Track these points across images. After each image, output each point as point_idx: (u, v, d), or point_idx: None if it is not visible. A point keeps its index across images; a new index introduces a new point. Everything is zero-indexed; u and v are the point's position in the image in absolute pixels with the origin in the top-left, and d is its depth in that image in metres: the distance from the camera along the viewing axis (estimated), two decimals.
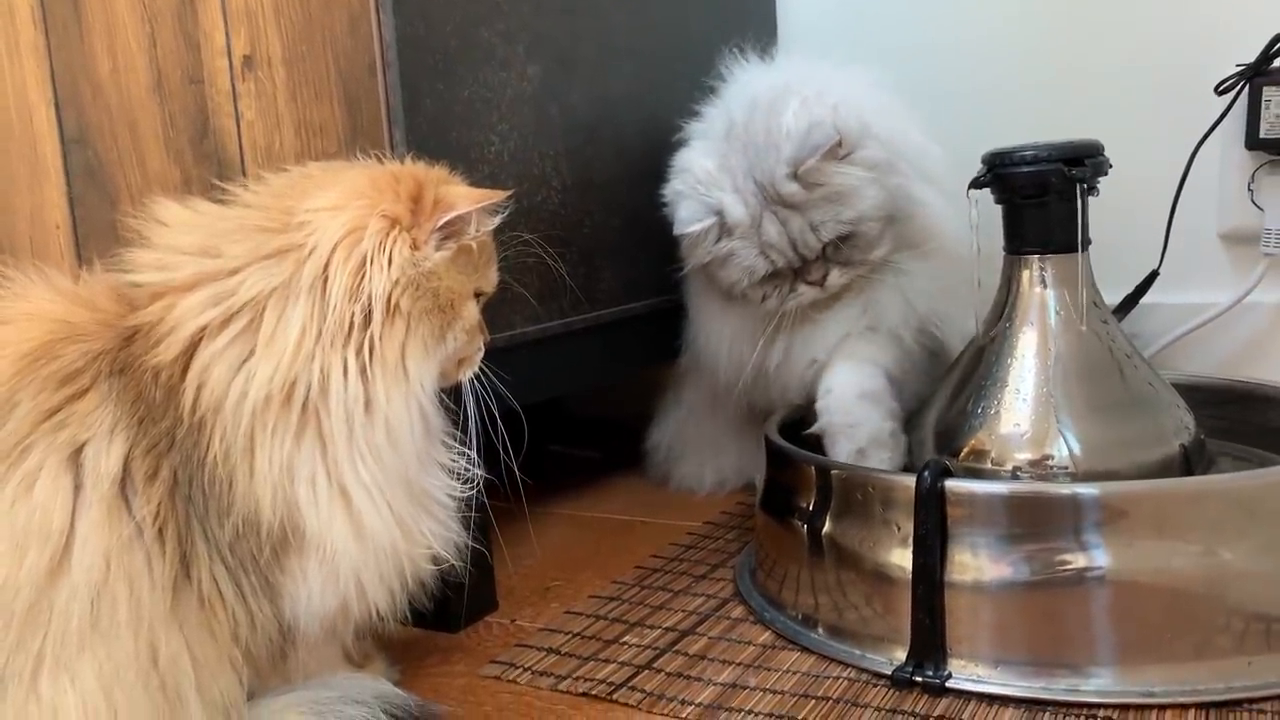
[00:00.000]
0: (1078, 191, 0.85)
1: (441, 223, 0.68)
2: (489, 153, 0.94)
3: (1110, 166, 0.87)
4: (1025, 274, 0.89)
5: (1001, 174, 0.87)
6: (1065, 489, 0.75)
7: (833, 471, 0.84)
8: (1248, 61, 1.15)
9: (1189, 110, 1.19)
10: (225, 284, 0.65)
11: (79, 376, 0.64)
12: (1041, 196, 0.86)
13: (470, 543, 0.76)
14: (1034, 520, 0.74)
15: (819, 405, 1.01)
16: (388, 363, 0.66)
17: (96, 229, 1.04)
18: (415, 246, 0.67)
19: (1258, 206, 1.19)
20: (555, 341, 1.03)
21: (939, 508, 0.75)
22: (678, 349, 1.23)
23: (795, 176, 0.96)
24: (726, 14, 1.30)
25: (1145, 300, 1.21)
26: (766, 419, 1.06)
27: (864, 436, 0.97)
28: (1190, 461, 0.85)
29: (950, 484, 0.75)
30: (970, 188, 0.89)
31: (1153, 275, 1.21)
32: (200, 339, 0.65)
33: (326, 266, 0.65)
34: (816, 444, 0.99)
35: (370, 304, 0.65)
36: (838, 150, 0.95)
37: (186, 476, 0.65)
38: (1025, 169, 0.86)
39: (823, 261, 1.00)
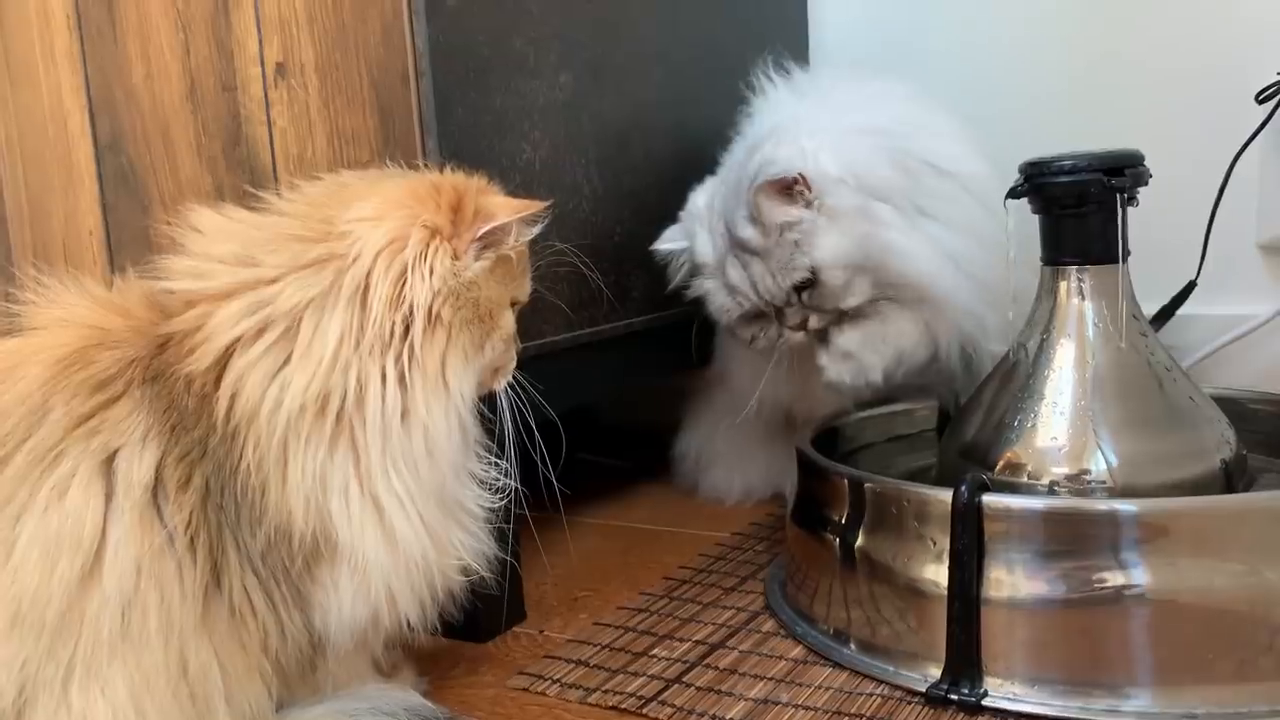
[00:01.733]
0: (1118, 202, 0.84)
1: (481, 233, 0.68)
2: (521, 161, 0.94)
3: (1150, 176, 0.86)
4: (1063, 285, 0.87)
5: (1040, 184, 0.86)
6: (1104, 505, 0.74)
7: (866, 485, 0.82)
8: None
9: (1229, 118, 1.17)
10: (262, 293, 0.65)
11: (112, 383, 0.64)
12: (1080, 207, 0.85)
13: (501, 555, 0.75)
14: (1072, 536, 0.73)
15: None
16: (428, 373, 0.66)
17: (129, 235, 1.04)
18: (456, 256, 0.67)
19: None
20: (586, 350, 1.02)
21: (976, 523, 0.73)
22: (708, 356, 1.23)
23: (751, 220, 0.96)
24: (757, 22, 1.29)
25: (1182, 311, 1.19)
26: (798, 429, 1.06)
27: (866, 360, 1.00)
28: (1231, 477, 0.83)
29: (987, 499, 0.74)
30: (1007, 197, 0.87)
31: (1190, 286, 1.19)
32: (235, 348, 0.64)
33: (368, 276, 0.65)
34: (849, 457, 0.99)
35: (411, 313, 0.65)
36: (792, 189, 0.95)
37: (219, 485, 0.65)
38: (1064, 179, 0.85)
39: (799, 308, 1.00)
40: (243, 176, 0.96)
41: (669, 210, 1.13)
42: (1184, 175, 1.17)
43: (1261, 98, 1.15)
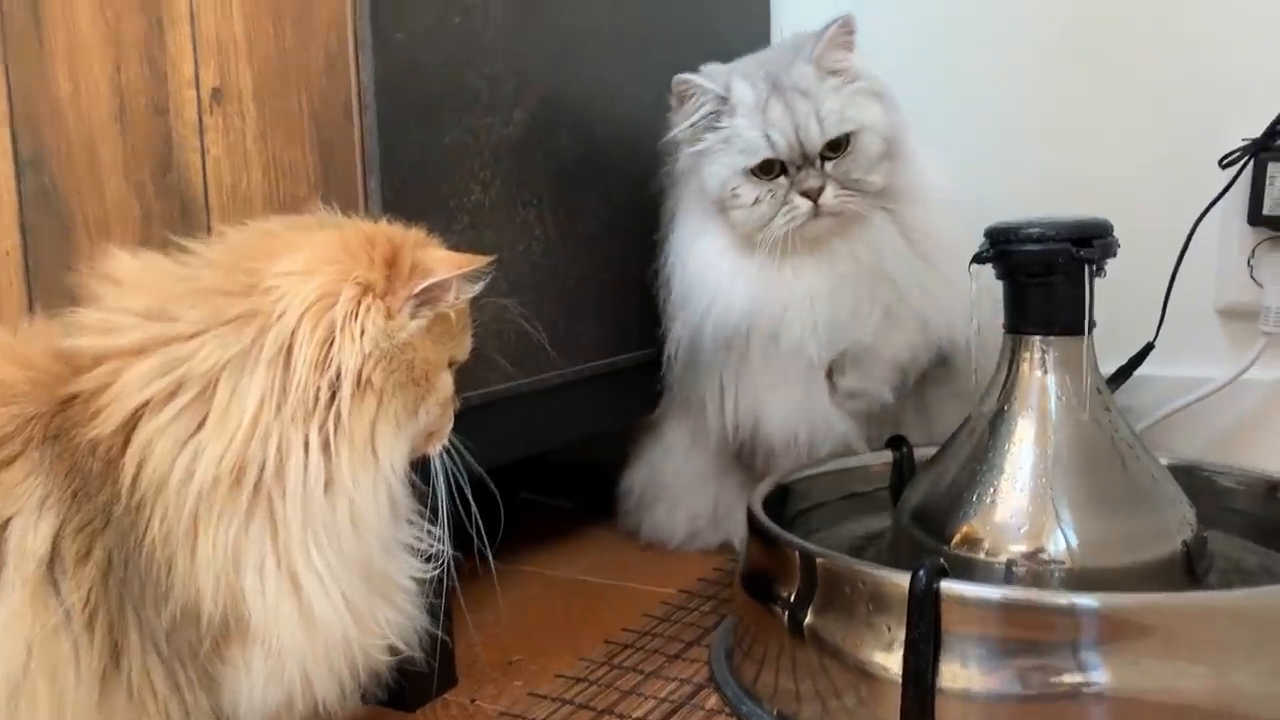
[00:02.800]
0: (1086, 273, 0.81)
1: (418, 290, 0.64)
2: (469, 202, 0.89)
3: (1118, 246, 0.84)
4: (1026, 355, 0.85)
5: (1006, 251, 0.83)
6: (1063, 599, 0.71)
7: (819, 560, 0.79)
8: (1254, 136, 1.12)
9: (1191, 182, 1.16)
10: (177, 351, 0.60)
11: (8, 442, 0.59)
12: (1047, 276, 0.82)
13: (433, 630, 0.71)
14: (1030, 630, 0.69)
15: (866, 341, 1.05)
16: (355, 443, 0.61)
17: (49, 257, 0.98)
18: (390, 315, 0.62)
19: (1257, 283, 1.16)
20: (532, 398, 0.98)
21: (934, 610, 0.70)
22: (658, 399, 1.19)
23: (812, 60, 1.00)
24: (719, 58, 1.25)
25: (1139, 372, 1.18)
26: (753, 479, 1.03)
27: (873, 389, 1.07)
28: (1192, 560, 0.81)
29: (946, 586, 0.70)
30: (972, 262, 0.85)
31: (1148, 347, 1.18)
32: (143, 411, 0.59)
33: (293, 335, 0.60)
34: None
35: (339, 378, 0.60)
36: (850, 31, 1.00)
37: (122, 559, 0.59)
38: (1031, 247, 0.82)
39: (820, 173, 0.99)
40: (173, 204, 0.90)
41: (625, 252, 1.09)
42: (1145, 236, 1.14)
43: (1225, 163, 1.13)
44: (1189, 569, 0.81)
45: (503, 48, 0.92)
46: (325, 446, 0.61)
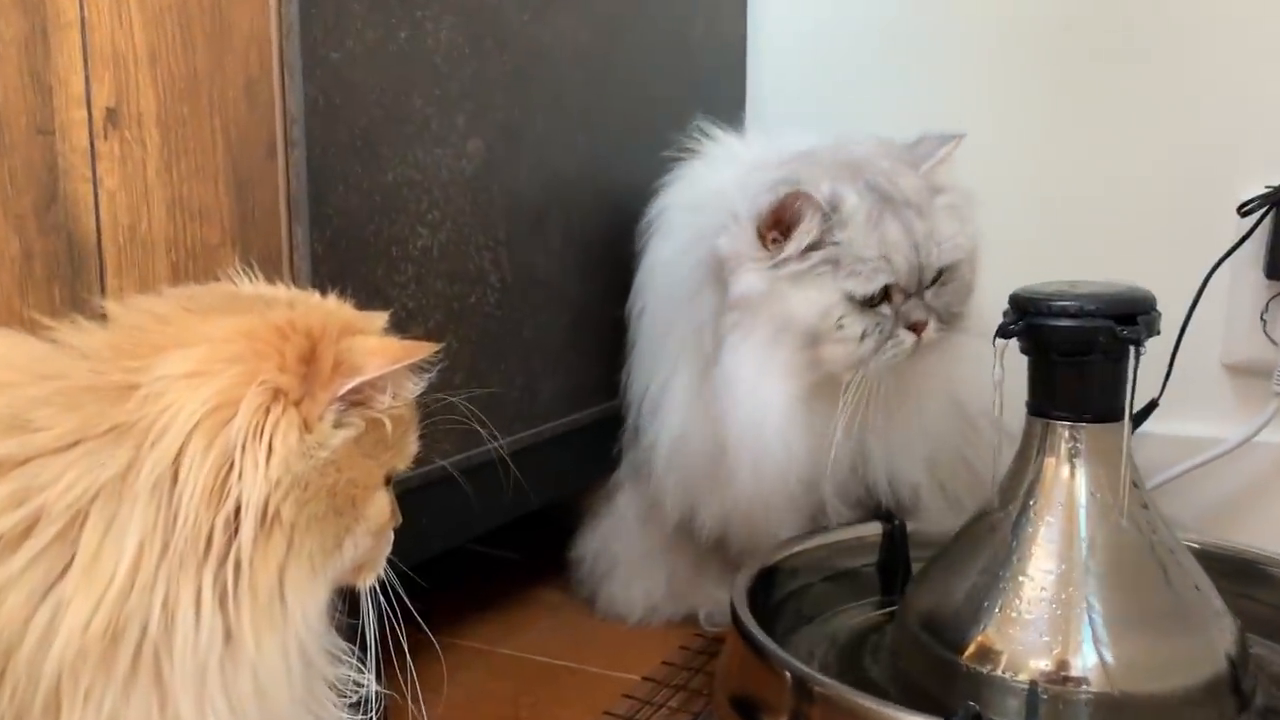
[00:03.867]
0: (1130, 354, 0.71)
1: (343, 391, 0.51)
2: (414, 249, 0.77)
3: (1160, 319, 0.74)
4: (1052, 444, 0.74)
5: (1036, 324, 0.72)
6: None
7: (816, 690, 0.67)
8: (1276, 184, 1.03)
9: (1205, 230, 1.07)
10: (36, 474, 0.46)
11: None
12: (1083, 355, 0.72)
13: None
14: None
15: None
16: (259, 595, 0.48)
17: None
18: (307, 428, 0.49)
19: (1271, 340, 1.08)
20: (481, 471, 0.85)
21: None
22: (618, 458, 1.07)
23: (918, 173, 0.89)
24: (693, 85, 1.13)
25: (1142, 429, 1.08)
26: (711, 556, 0.91)
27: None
28: (1239, 678, 0.72)
29: None
30: (997, 335, 0.74)
31: (1152, 404, 1.08)
32: None
33: (179, 457, 0.47)
34: None
35: (238, 513, 0.47)
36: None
37: None
38: (1067, 322, 0.71)
39: (924, 305, 0.87)
40: (58, 243, 0.76)
41: (589, 297, 0.97)
42: (1153, 284, 1.04)
43: (1244, 211, 1.04)
44: (1235, 687, 0.71)
45: (456, 67, 0.79)
46: (223, 599, 0.48)
